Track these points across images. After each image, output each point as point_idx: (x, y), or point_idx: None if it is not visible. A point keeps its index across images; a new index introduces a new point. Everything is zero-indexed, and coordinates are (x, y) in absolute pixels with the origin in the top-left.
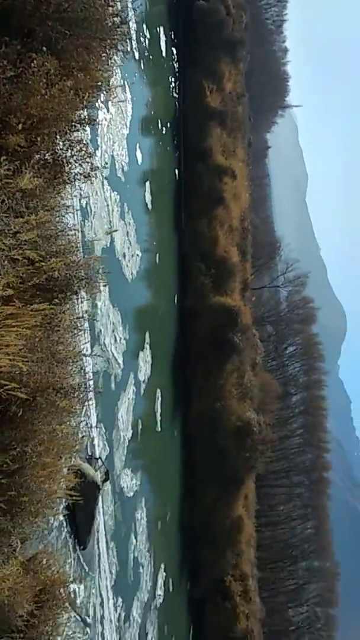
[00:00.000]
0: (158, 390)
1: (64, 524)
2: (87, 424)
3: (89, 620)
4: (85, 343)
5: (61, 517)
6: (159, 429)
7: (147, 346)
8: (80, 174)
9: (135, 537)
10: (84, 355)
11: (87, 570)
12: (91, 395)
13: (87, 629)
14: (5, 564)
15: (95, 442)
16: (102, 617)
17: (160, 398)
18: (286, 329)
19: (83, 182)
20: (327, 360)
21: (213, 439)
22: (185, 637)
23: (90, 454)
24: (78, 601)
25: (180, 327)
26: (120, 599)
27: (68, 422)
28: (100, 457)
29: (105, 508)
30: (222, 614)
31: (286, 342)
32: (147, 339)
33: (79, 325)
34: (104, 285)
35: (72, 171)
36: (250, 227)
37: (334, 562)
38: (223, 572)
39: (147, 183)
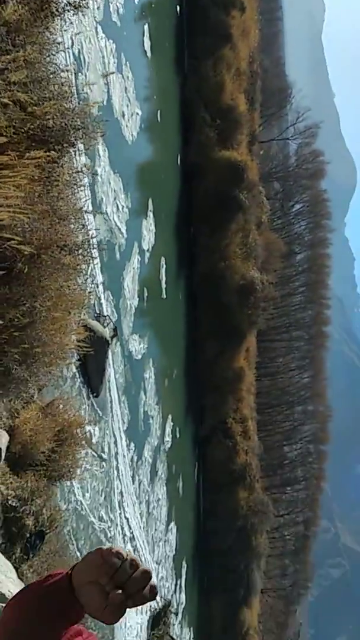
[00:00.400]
0: (162, 258)
1: (77, 375)
2: (93, 282)
3: (104, 456)
4: (86, 200)
5: (74, 369)
6: (165, 296)
7: (150, 214)
8: (70, 5)
9: (145, 394)
10: (86, 212)
11: (100, 415)
12: (95, 252)
13: (103, 464)
14: (25, 409)
15: (103, 302)
16: (117, 453)
17: (164, 265)
18: (294, 185)
19: (73, 15)
20: (334, 218)
21: (217, 298)
22: (191, 473)
23: (98, 312)
24: (94, 440)
25: (183, 188)
26: (132, 444)
27: (74, 279)
28: (108, 315)
29: (115, 367)
30: (224, 450)
31: (293, 199)
32: (150, 206)
33: (78, 180)
34: (101, 136)
35: (60, 0)
36: (259, 71)
37: (328, 406)
38: (225, 415)
39: (146, 26)
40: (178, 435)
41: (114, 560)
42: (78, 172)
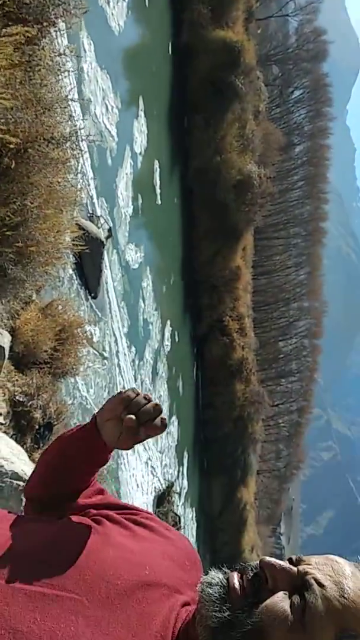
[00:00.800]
0: (156, 162)
1: (74, 277)
2: (83, 178)
3: (106, 355)
4: (72, 88)
5: (70, 270)
6: (159, 202)
7: (141, 113)
8: None
9: (143, 301)
10: (72, 100)
11: (100, 316)
12: (84, 146)
13: (105, 361)
14: (25, 310)
15: (96, 203)
16: (117, 352)
17: (158, 169)
18: (293, 69)
19: None
20: (336, 105)
21: (212, 195)
22: (191, 371)
23: (91, 212)
24: (94, 339)
25: (176, 77)
26: (133, 347)
27: (64, 175)
28: (101, 215)
29: (112, 269)
30: (221, 347)
31: (292, 85)
32: (141, 105)
33: (61, 64)
34: (84, 13)
35: None
36: None
37: (323, 302)
38: (222, 313)
39: None
40: (177, 339)
41: (129, 392)
42: (61, 54)
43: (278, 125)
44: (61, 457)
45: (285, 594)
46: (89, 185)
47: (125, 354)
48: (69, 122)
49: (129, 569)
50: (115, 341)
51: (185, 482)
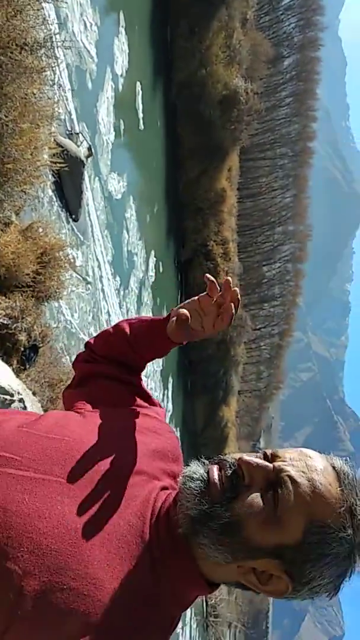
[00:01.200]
0: (138, 84)
1: (54, 198)
2: (60, 89)
3: (89, 279)
4: None
5: (50, 192)
6: (142, 127)
7: (122, 30)
8: None
9: (127, 233)
10: (45, 1)
11: (82, 239)
12: (60, 53)
13: (89, 286)
14: (4, 232)
15: (74, 119)
16: (101, 277)
17: (140, 92)
18: None
19: None
20: (327, 14)
21: (197, 112)
22: (175, 298)
23: (69, 129)
24: (77, 264)
25: None
26: (117, 277)
27: (39, 86)
28: (81, 132)
29: (94, 198)
30: (204, 272)
31: None
32: (122, 21)
33: None
34: None
35: None
36: None
37: (308, 225)
38: (206, 238)
39: None
40: (161, 266)
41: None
42: None
43: (267, 35)
44: (132, 334)
45: (260, 489)
46: (66, 100)
47: (109, 280)
48: (43, 27)
49: (113, 456)
50: (99, 266)
51: (170, 405)
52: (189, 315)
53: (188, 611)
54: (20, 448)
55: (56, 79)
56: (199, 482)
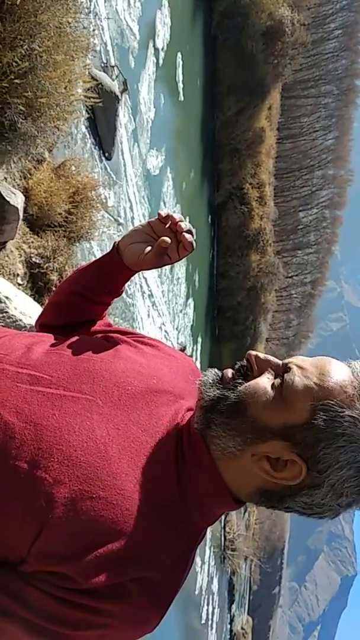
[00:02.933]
0: (178, 55)
1: (87, 135)
2: (95, 18)
3: (121, 220)
4: None
5: (83, 128)
6: (182, 98)
7: (174, 62)
8: None
9: (160, 167)
10: None
11: (114, 179)
12: None
13: (120, 227)
14: (37, 170)
15: (110, 51)
16: (132, 218)
17: (181, 64)
18: None
19: None
20: None
21: (238, 44)
22: (207, 241)
23: (105, 62)
24: (109, 204)
25: None
26: (147, 215)
27: (75, 15)
28: (116, 65)
29: (128, 136)
30: (239, 216)
31: None
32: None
33: None
34: None
35: None
36: None
37: (349, 170)
38: (242, 180)
39: None
40: (194, 211)
41: (156, 220)
42: None
43: None
44: (80, 285)
45: (268, 376)
46: (102, 29)
47: (140, 221)
48: None
49: (139, 377)
50: (131, 207)
51: (198, 354)
52: (168, 241)
53: (207, 543)
54: (51, 368)
55: (92, 6)
56: (213, 375)
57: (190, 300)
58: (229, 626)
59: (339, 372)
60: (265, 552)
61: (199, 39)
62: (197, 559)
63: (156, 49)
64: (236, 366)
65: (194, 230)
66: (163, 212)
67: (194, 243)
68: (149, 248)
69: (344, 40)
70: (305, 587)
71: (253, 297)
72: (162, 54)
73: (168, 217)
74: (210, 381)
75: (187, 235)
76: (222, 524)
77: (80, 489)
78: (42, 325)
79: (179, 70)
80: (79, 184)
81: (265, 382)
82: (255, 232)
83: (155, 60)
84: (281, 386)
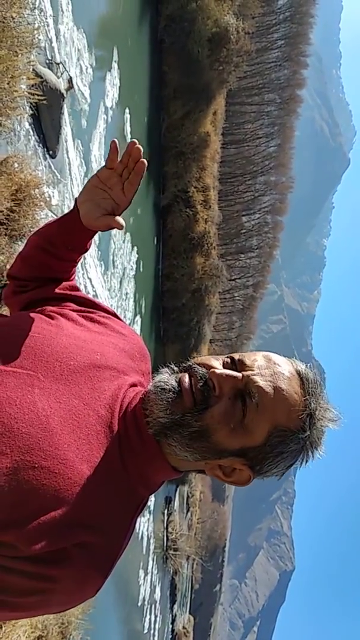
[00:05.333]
0: (117, 54)
1: (31, 132)
2: (41, 15)
3: None
4: None
5: (27, 125)
6: (126, 61)
7: (114, 65)
8: None
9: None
10: None
11: (59, 177)
12: None
13: None
14: None
15: (55, 47)
16: None
17: (122, 66)
18: None
19: None
20: None
21: (184, 49)
22: (152, 243)
23: (50, 58)
24: (53, 202)
25: None
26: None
27: (19, 10)
28: (62, 62)
29: (74, 134)
30: (184, 219)
31: None
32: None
33: None
34: None
35: None
36: None
37: (290, 177)
38: (187, 184)
39: None
40: (139, 213)
41: (103, 171)
42: None
43: None
44: (45, 240)
45: (229, 398)
46: (47, 26)
47: None
48: None
49: (81, 353)
50: None
51: None
52: (122, 224)
53: (150, 544)
54: None
55: (37, 2)
56: (170, 393)
57: (133, 287)
58: (170, 626)
59: (294, 393)
60: (207, 551)
61: (145, 41)
62: (140, 571)
63: (99, 56)
64: (195, 379)
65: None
66: (112, 145)
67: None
68: (98, 210)
69: (286, 51)
70: (245, 584)
71: (197, 299)
72: (104, 53)
73: (115, 147)
74: (168, 401)
75: (139, 164)
76: (165, 524)
77: (22, 459)
78: (10, 276)
79: (119, 72)
80: (22, 182)
81: (229, 410)
82: (200, 235)
83: (95, 64)
84: (243, 413)
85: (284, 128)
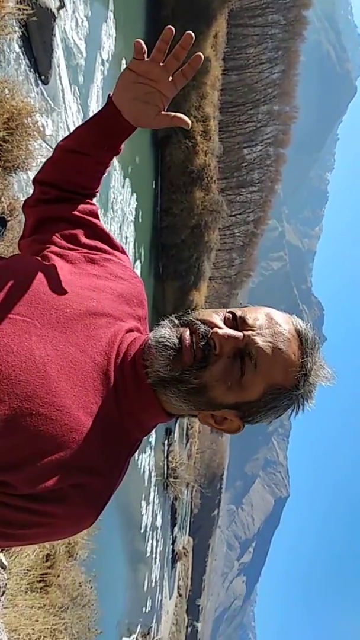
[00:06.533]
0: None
1: (21, 56)
2: None
3: None
4: None
5: (17, 48)
6: (123, 27)
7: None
8: None
9: (102, 99)
10: None
11: (52, 105)
12: None
13: None
14: None
15: None
16: None
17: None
18: None
19: None
20: None
21: None
22: (150, 177)
23: None
24: (47, 132)
25: None
26: None
27: None
28: None
29: (66, 57)
30: (183, 151)
31: None
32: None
33: None
34: None
35: None
36: None
37: (294, 106)
38: (186, 113)
39: None
40: (137, 147)
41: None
42: None
43: None
44: (78, 142)
45: (229, 357)
46: None
47: None
48: None
49: (77, 300)
50: None
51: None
52: (188, 122)
53: (151, 478)
54: None
55: None
56: (171, 350)
57: (132, 225)
58: (171, 547)
59: (292, 354)
60: (206, 479)
61: None
62: (143, 502)
63: None
64: (197, 336)
65: (192, 35)
66: (137, 45)
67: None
68: (151, 108)
69: None
70: (242, 509)
71: (197, 235)
72: None
73: (141, 47)
74: (169, 357)
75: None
76: (165, 454)
77: (20, 407)
78: (36, 180)
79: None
80: (13, 109)
81: (228, 369)
82: (199, 168)
83: (90, 15)
84: (241, 372)
85: (289, 52)
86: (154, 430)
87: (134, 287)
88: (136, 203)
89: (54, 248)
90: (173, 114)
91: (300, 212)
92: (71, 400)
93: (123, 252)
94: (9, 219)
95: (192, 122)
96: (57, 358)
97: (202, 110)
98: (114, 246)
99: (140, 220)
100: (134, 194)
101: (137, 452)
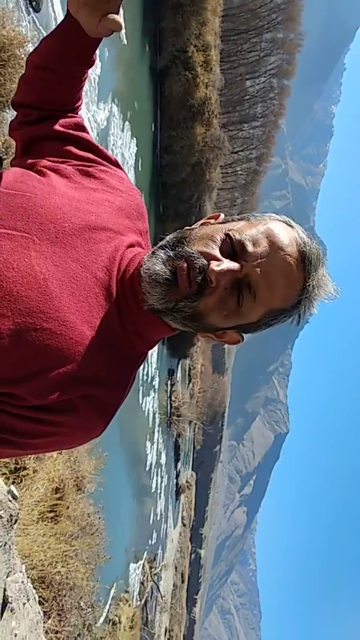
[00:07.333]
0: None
1: None
2: None
3: None
4: None
5: None
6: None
7: None
8: None
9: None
10: None
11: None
12: None
13: None
14: None
15: None
16: None
17: None
18: None
19: None
20: None
21: None
22: (149, 111)
23: None
24: None
25: None
26: (91, 84)
27: None
28: None
29: None
30: (182, 83)
31: None
32: None
33: None
34: None
35: None
36: None
37: (299, 33)
38: (186, 42)
39: None
40: (135, 78)
41: None
42: None
43: None
44: (45, 57)
45: (225, 289)
46: None
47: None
48: None
49: (76, 214)
50: None
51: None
52: (120, 23)
53: (155, 419)
54: None
55: None
56: (165, 286)
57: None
58: (175, 480)
59: (293, 281)
60: (208, 417)
61: None
62: (147, 442)
63: None
64: (198, 278)
65: None
66: None
67: None
68: (96, 14)
69: None
70: (242, 445)
71: (198, 173)
72: None
73: None
74: (163, 291)
75: None
76: (168, 394)
77: (24, 322)
78: (15, 104)
79: None
80: (4, 39)
81: (224, 300)
82: (200, 101)
83: None
84: (238, 303)
85: None
86: (157, 372)
87: (133, 200)
88: (136, 148)
89: (45, 162)
90: (110, 18)
91: (304, 147)
92: (74, 315)
93: (117, 165)
94: (5, 157)
95: (192, 51)
96: (58, 274)
97: (203, 39)
98: (107, 158)
99: (140, 163)
100: (134, 138)
101: (140, 395)
